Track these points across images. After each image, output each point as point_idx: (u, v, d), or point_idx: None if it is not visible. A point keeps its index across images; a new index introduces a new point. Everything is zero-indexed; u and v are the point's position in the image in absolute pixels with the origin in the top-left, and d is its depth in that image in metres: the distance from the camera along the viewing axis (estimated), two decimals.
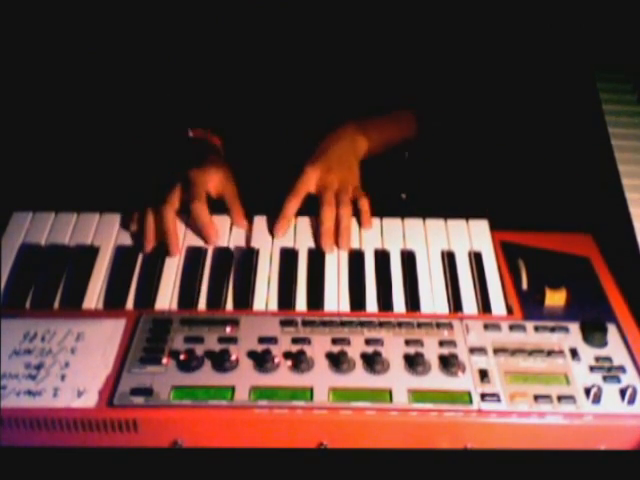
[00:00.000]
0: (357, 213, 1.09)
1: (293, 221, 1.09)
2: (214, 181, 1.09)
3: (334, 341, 0.92)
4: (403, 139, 1.27)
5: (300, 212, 1.10)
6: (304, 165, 1.11)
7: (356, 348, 0.91)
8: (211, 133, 1.23)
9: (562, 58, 1.25)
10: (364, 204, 1.09)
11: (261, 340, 0.92)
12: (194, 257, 1.04)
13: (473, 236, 1.09)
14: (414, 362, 0.89)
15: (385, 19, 1.24)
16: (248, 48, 1.24)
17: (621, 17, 1.18)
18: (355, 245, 1.07)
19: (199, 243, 1.06)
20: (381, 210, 1.11)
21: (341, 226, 1.06)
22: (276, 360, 0.89)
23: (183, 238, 1.06)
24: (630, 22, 1.17)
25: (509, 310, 0.98)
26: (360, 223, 1.09)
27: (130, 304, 0.97)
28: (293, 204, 1.08)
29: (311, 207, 1.10)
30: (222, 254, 1.05)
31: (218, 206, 1.10)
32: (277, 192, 1.12)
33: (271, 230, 1.07)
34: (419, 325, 0.95)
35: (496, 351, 0.92)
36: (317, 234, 1.06)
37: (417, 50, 1.25)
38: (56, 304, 0.97)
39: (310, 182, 1.10)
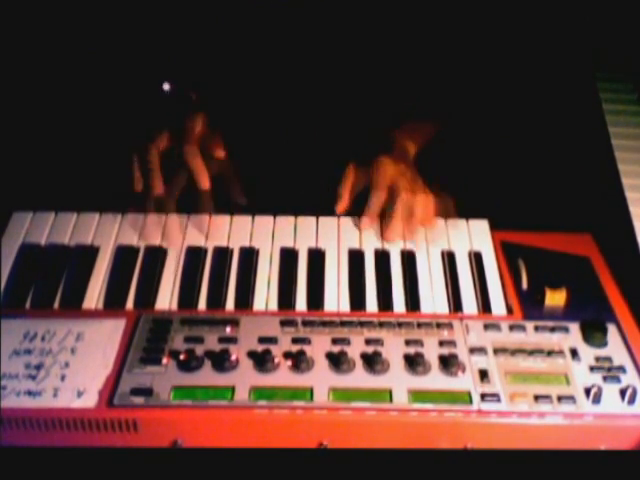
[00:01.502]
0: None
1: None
2: (204, 126, 1.09)
3: (334, 341, 0.92)
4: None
5: (301, 212, 1.10)
6: (375, 162, 1.09)
7: (356, 348, 0.91)
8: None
9: (562, 58, 1.25)
10: (430, 202, 1.08)
11: (261, 340, 0.92)
12: (194, 257, 1.04)
13: (473, 236, 1.09)
14: (414, 362, 0.89)
15: (380, 18, 1.24)
16: (252, 44, 1.23)
17: (621, 17, 1.18)
18: (355, 245, 1.07)
19: (199, 243, 1.06)
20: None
21: (415, 214, 1.05)
22: (276, 360, 0.89)
23: (183, 238, 1.06)
24: (630, 22, 1.17)
25: (509, 310, 0.98)
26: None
27: (130, 304, 0.97)
28: (379, 198, 1.07)
29: (311, 207, 1.10)
30: (222, 254, 1.05)
31: (219, 204, 1.10)
32: (277, 192, 1.12)
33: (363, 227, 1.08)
34: (419, 325, 0.95)
35: (496, 351, 0.92)
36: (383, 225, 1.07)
37: (416, 50, 1.25)
38: (56, 304, 0.97)
39: (386, 174, 1.07)
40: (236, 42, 1.24)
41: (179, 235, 1.06)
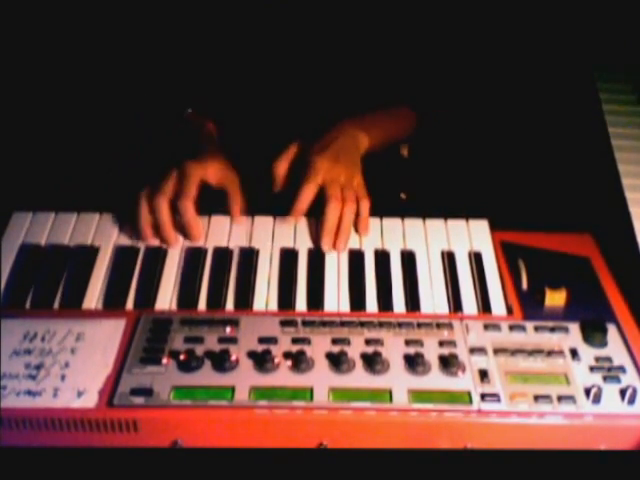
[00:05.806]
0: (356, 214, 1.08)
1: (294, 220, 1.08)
2: (213, 170, 1.07)
3: (334, 341, 0.92)
4: (401, 135, 1.26)
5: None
6: (311, 156, 1.09)
7: (356, 348, 0.91)
8: (205, 117, 1.20)
9: (563, 58, 1.25)
10: (364, 208, 1.07)
11: (261, 340, 0.92)
12: (194, 257, 1.04)
13: (473, 236, 1.09)
14: (414, 362, 0.89)
15: (387, 14, 1.24)
16: (247, 39, 1.23)
17: (621, 17, 1.19)
18: (355, 245, 1.07)
19: (199, 243, 1.06)
20: (381, 210, 1.11)
21: (342, 225, 1.05)
22: (276, 360, 0.89)
23: (183, 238, 1.07)
24: (630, 22, 1.18)
25: (509, 310, 0.98)
26: (357, 228, 1.08)
27: (130, 304, 0.97)
28: (308, 193, 1.06)
29: (311, 207, 1.10)
30: (222, 254, 1.05)
31: (217, 205, 1.10)
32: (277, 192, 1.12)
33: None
34: (419, 325, 0.95)
35: (496, 351, 0.92)
36: (318, 230, 1.05)
37: (417, 46, 1.25)
38: (56, 304, 0.97)
39: (320, 173, 1.07)
40: (231, 35, 1.23)
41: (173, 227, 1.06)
